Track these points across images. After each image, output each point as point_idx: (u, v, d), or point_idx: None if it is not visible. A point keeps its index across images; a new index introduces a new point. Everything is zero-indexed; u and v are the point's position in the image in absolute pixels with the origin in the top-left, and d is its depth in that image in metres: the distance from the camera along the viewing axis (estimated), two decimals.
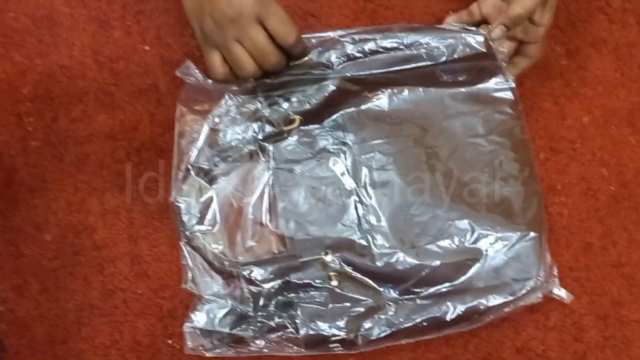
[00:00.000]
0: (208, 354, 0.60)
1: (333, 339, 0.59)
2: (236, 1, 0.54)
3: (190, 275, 0.61)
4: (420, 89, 0.63)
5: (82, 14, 0.69)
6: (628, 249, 0.69)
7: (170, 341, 0.66)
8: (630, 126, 0.71)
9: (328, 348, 0.60)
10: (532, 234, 0.60)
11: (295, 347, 0.60)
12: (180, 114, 0.63)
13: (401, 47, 0.62)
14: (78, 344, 0.66)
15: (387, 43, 0.62)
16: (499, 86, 0.63)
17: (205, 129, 0.62)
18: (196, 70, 0.59)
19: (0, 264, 0.67)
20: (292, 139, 0.62)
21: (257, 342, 0.60)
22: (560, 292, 0.62)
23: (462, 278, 0.60)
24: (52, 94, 0.68)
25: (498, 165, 0.62)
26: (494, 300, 0.60)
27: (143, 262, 0.67)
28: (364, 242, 0.59)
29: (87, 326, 0.66)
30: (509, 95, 0.63)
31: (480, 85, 0.63)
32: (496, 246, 0.60)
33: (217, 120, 0.62)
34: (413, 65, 0.62)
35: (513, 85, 0.64)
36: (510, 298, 0.60)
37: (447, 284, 0.60)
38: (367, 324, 0.59)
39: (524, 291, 0.60)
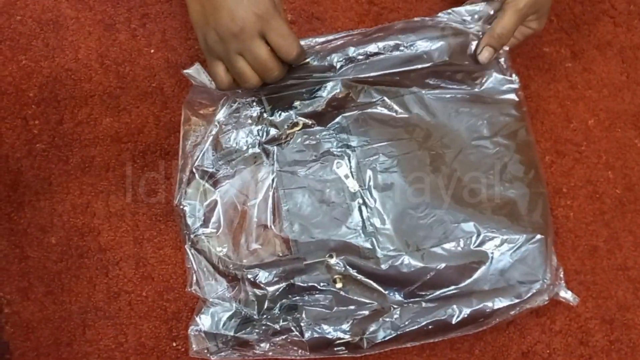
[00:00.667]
0: (213, 357, 0.60)
1: (338, 342, 0.59)
2: (239, 17, 0.54)
3: (194, 278, 0.61)
4: (424, 91, 0.63)
5: (88, 18, 0.70)
6: (634, 252, 0.69)
7: (174, 344, 0.66)
8: (636, 129, 0.71)
9: (333, 351, 0.60)
10: (538, 236, 0.60)
11: (300, 351, 0.60)
12: (185, 117, 0.63)
13: (402, 48, 0.62)
14: (83, 346, 0.66)
15: (388, 44, 0.62)
16: (504, 88, 0.63)
17: (209, 133, 0.62)
18: (204, 73, 0.59)
19: (6, 266, 0.67)
20: (296, 142, 0.62)
21: (262, 345, 0.60)
22: (567, 295, 0.62)
23: (468, 281, 0.59)
24: (58, 97, 0.69)
25: (503, 167, 0.62)
26: (500, 303, 0.59)
27: (148, 265, 0.67)
28: (368, 245, 0.59)
29: (91, 328, 0.66)
30: (513, 96, 0.63)
31: (484, 87, 0.63)
32: (502, 248, 0.60)
33: (221, 123, 0.62)
34: (415, 66, 0.62)
35: (517, 86, 0.63)
36: (516, 301, 0.60)
37: (452, 287, 0.59)
38: (372, 327, 0.59)
39: (530, 294, 0.60)
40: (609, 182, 0.70)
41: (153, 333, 0.66)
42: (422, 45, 0.62)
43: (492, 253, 0.60)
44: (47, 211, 0.68)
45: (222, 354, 0.60)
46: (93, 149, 0.68)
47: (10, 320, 0.67)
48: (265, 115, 0.62)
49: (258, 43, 0.55)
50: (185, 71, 0.59)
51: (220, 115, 0.62)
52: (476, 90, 0.63)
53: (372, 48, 0.62)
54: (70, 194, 0.68)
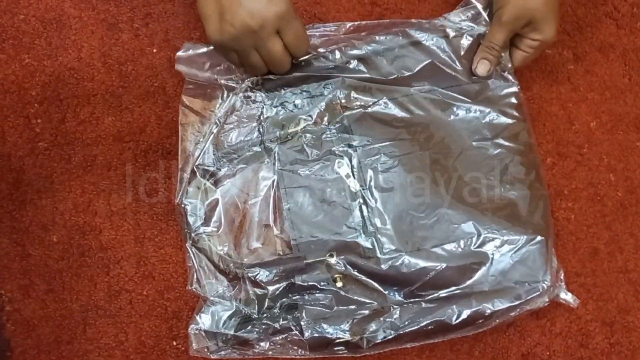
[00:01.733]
0: (213, 356, 0.60)
1: (337, 341, 0.59)
2: (258, 14, 0.55)
3: (195, 276, 0.61)
4: (426, 91, 0.63)
5: (91, 17, 0.70)
6: (634, 255, 0.69)
7: (175, 342, 0.66)
8: (638, 131, 0.71)
9: (332, 351, 0.60)
10: (538, 237, 0.60)
11: (299, 350, 0.60)
12: (184, 115, 0.63)
13: (404, 45, 0.63)
14: (83, 344, 0.66)
15: (390, 43, 0.63)
16: (504, 90, 0.64)
17: (210, 131, 0.62)
18: (197, 47, 0.61)
19: (7, 264, 0.67)
20: (297, 141, 0.62)
21: (262, 344, 0.60)
22: (567, 297, 0.62)
23: (468, 282, 0.59)
24: (61, 95, 0.69)
25: (504, 168, 0.62)
26: (500, 304, 0.59)
27: (149, 264, 0.67)
28: (368, 245, 0.59)
29: (92, 327, 0.66)
30: (513, 99, 0.64)
31: (485, 89, 0.64)
32: (502, 250, 0.60)
33: (221, 121, 0.62)
34: (419, 64, 0.63)
35: (517, 89, 0.64)
36: (516, 302, 0.60)
37: (452, 288, 0.59)
38: (371, 327, 0.59)
39: (530, 296, 0.60)
40: (611, 185, 0.70)
41: (153, 332, 0.66)
42: (424, 44, 0.63)
43: (493, 254, 0.60)
44: (48, 209, 0.68)
45: (222, 352, 0.60)
46: (95, 147, 0.68)
47: (11, 318, 0.67)
48: (266, 113, 0.62)
49: (274, 40, 0.57)
50: (178, 65, 0.61)
51: (221, 113, 0.62)
52: (477, 91, 0.63)
53: (374, 46, 0.62)
54: (72, 193, 0.68)
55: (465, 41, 0.63)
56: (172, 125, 0.69)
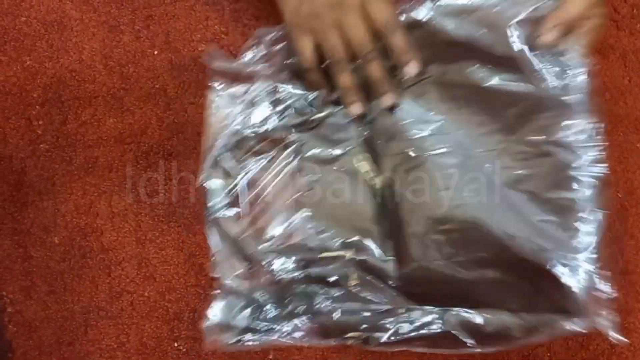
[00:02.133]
0: (228, 342, 0.59)
1: (347, 336, 0.57)
2: None
3: (214, 259, 0.59)
4: (472, 72, 0.53)
5: (92, 19, 0.70)
6: (635, 257, 0.69)
7: (176, 344, 0.66)
8: (638, 133, 0.71)
9: (344, 341, 0.58)
10: (586, 264, 0.50)
11: (312, 339, 0.58)
12: (210, 99, 0.61)
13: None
14: (85, 346, 0.66)
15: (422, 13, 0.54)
16: (571, 72, 0.52)
17: (235, 115, 0.59)
18: (223, 55, 0.58)
19: (9, 265, 0.67)
20: (321, 131, 0.58)
21: (275, 332, 0.57)
22: (613, 334, 0.51)
23: (492, 298, 0.53)
24: (62, 97, 0.69)
25: (561, 174, 0.52)
26: (529, 334, 0.52)
27: (150, 265, 0.67)
28: (385, 247, 0.56)
29: (93, 328, 0.67)
30: (582, 80, 0.51)
31: (547, 69, 0.52)
32: (538, 271, 0.51)
33: (246, 106, 0.59)
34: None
35: (585, 75, 0.51)
36: (549, 334, 0.52)
37: (475, 302, 0.54)
38: (382, 326, 0.56)
39: (566, 327, 0.51)
40: (611, 186, 0.70)
41: (155, 333, 0.67)
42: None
43: (524, 273, 0.52)
44: (50, 211, 0.68)
45: (235, 341, 0.58)
46: (96, 149, 0.68)
47: (13, 319, 0.67)
48: (291, 99, 0.59)
49: (359, 15, 0.53)
50: (203, 56, 0.59)
51: (246, 98, 0.59)
52: (534, 73, 0.52)
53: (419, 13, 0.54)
54: (73, 194, 0.68)
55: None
56: (173, 127, 0.69)
